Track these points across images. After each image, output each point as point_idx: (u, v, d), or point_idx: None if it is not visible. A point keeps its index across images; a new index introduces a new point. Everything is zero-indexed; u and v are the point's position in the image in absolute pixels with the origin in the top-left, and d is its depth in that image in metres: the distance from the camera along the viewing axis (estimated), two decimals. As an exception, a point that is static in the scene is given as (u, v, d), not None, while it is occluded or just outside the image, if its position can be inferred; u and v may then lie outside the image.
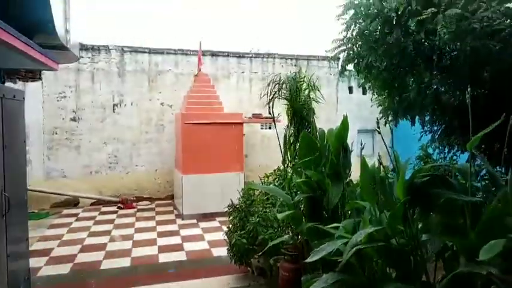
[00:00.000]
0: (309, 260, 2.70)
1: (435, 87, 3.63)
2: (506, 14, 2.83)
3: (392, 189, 2.71)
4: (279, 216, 3.52)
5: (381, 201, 2.78)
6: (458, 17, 2.75)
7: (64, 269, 5.24)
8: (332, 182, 3.65)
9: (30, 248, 5.60)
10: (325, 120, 10.34)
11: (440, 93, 3.57)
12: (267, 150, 9.99)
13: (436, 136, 5.22)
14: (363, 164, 2.85)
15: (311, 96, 4.33)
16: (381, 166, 2.79)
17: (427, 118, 5.00)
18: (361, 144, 3.36)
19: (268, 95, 3.90)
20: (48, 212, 8.22)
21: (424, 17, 2.95)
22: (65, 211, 8.34)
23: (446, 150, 5.18)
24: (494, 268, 1.80)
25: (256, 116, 8.76)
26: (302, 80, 4.07)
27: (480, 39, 2.83)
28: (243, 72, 10.03)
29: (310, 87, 4.15)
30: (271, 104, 3.96)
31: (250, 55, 10.43)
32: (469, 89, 2.60)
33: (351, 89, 11.13)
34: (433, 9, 2.91)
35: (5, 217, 1.98)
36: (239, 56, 10.19)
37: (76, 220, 7.70)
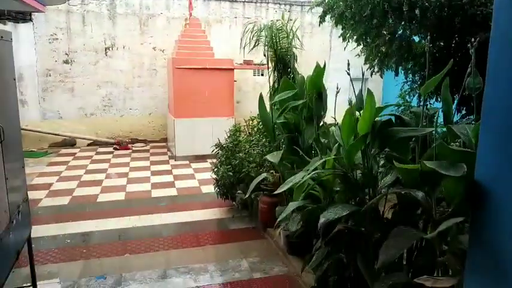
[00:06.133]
0: (278, 191, 3.03)
1: (407, 36, 3.78)
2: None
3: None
4: (269, 157, 3.81)
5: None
6: None
7: (63, 201, 5.68)
8: (307, 124, 3.94)
9: (30, 183, 6.03)
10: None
11: (412, 42, 3.74)
12: (258, 96, 10.16)
13: (416, 86, 5.42)
14: (348, 109, 3.09)
15: (292, 43, 4.47)
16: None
17: (409, 68, 5.16)
18: (337, 88, 3.60)
19: (249, 42, 4.06)
20: (46, 151, 8.60)
21: None
22: (63, 150, 8.72)
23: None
24: (421, 192, 2.12)
25: (247, 63, 8.84)
26: (281, 28, 4.19)
27: None
28: (235, 17, 9.94)
29: (288, 35, 4.28)
30: (252, 50, 4.13)
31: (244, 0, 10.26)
32: (428, 37, 2.80)
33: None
34: None
35: (1, 145, 2.25)
36: (232, 0, 10.04)
37: (74, 159, 8.09)
